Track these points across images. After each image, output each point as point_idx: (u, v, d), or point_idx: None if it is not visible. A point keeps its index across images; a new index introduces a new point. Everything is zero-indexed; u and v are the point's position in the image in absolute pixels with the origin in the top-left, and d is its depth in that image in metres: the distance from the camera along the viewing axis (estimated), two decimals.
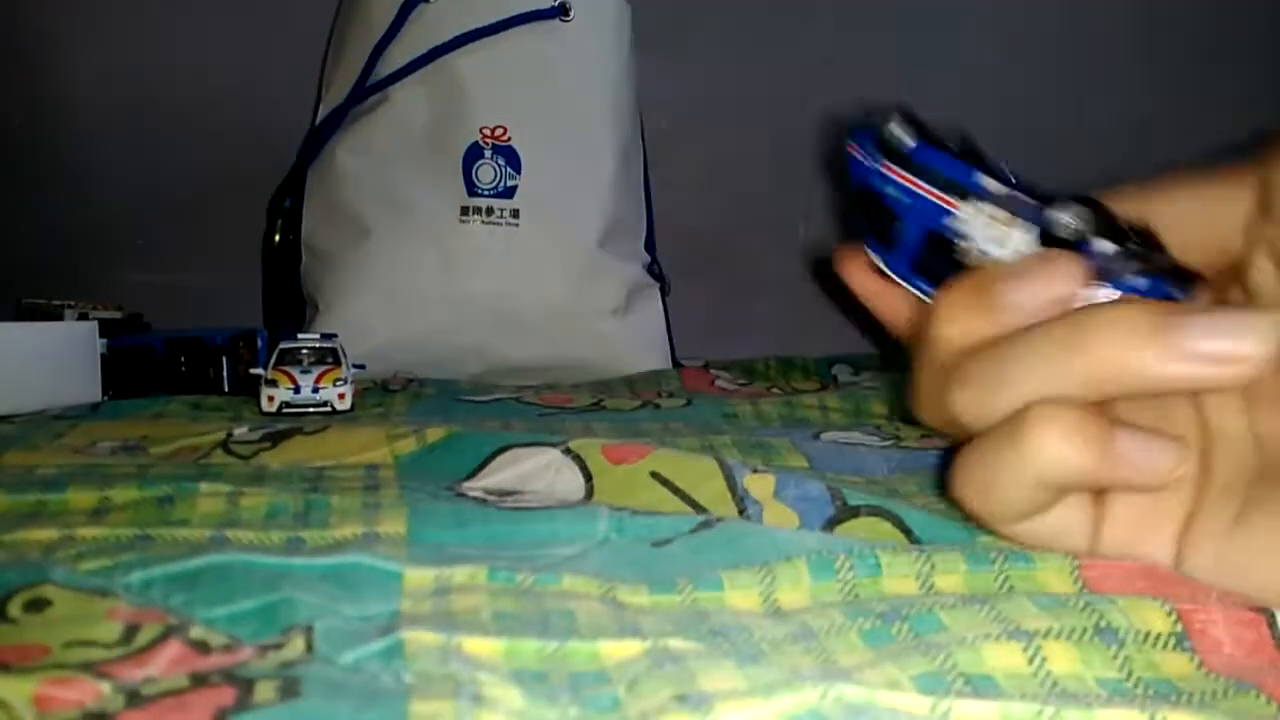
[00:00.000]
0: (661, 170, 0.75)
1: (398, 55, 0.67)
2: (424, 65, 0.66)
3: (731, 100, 0.83)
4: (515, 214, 0.66)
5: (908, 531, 0.29)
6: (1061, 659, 0.19)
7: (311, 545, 0.27)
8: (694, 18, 0.82)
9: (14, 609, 0.20)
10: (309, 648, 0.19)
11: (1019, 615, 0.20)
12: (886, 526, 0.30)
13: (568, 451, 0.35)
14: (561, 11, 0.67)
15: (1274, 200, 0.24)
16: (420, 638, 0.19)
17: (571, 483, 0.34)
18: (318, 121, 0.70)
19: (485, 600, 0.21)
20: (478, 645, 0.19)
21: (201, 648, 0.19)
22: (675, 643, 0.19)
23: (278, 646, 0.19)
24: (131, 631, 0.19)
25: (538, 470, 0.34)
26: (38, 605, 0.20)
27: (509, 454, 0.36)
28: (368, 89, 0.67)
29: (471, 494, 0.32)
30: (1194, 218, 0.26)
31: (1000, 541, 0.26)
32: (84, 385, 0.51)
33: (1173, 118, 0.83)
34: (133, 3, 0.80)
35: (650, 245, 0.73)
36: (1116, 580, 0.23)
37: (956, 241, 0.26)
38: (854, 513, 0.30)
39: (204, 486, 0.31)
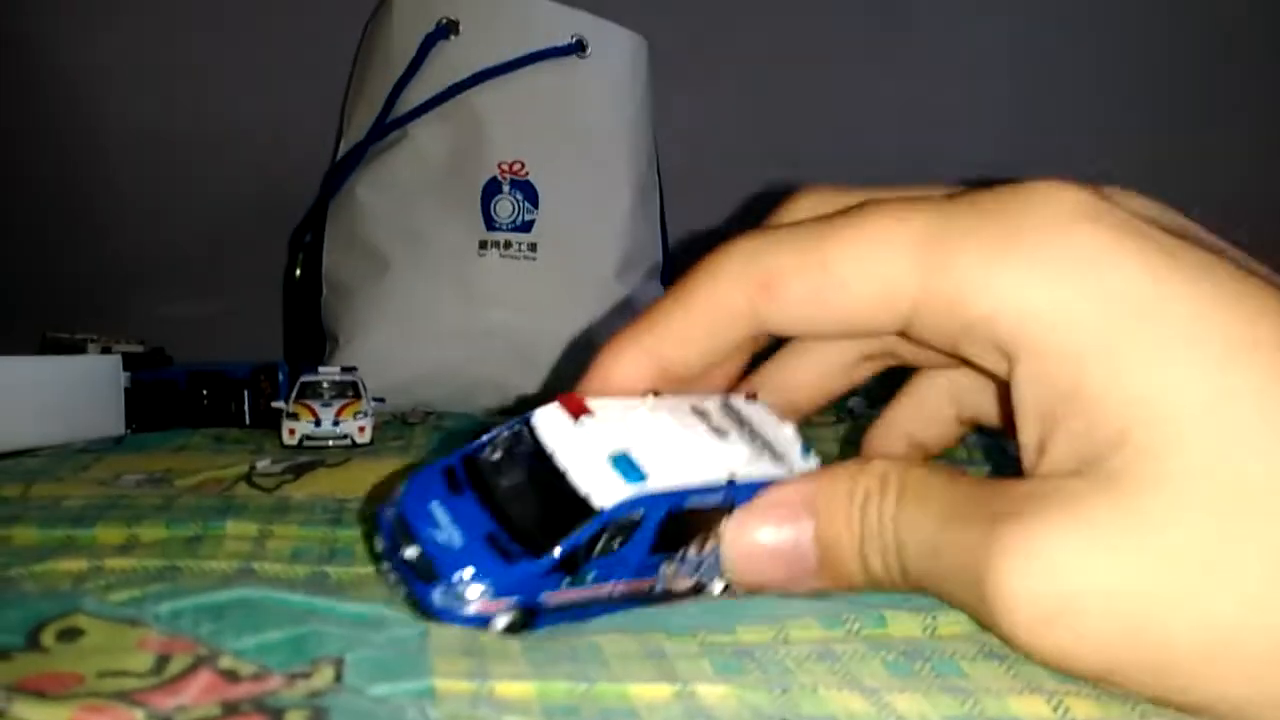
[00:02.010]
0: (677, 204, 0.76)
1: (417, 92, 0.68)
2: (443, 102, 0.67)
3: (748, 135, 0.84)
4: (533, 248, 0.66)
5: None
6: (1084, 707, 0.20)
7: (336, 580, 0.27)
8: (711, 54, 0.83)
9: (47, 638, 0.21)
10: (338, 677, 0.19)
11: (1035, 673, 0.21)
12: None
13: None
14: (579, 49, 0.68)
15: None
16: (452, 686, 0.19)
17: None
18: (339, 157, 0.71)
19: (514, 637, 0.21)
20: (508, 689, 0.19)
21: (231, 677, 0.19)
22: (703, 688, 0.19)
23: (306, 676, 0.19)
24: (163, 661, 0.19)
25: None
26: (70, 635, 0.21)
27: None
28: (388, 125, 0.68)
29: None
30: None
31: None
32: (108, 418, 0.52)
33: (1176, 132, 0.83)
34: (158, 41, 0.81)
35: (666, 278, 0.74)
36: None
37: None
38: None
39: (230, 526, 0.31)
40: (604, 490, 0.21)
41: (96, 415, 0.51)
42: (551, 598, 0.22)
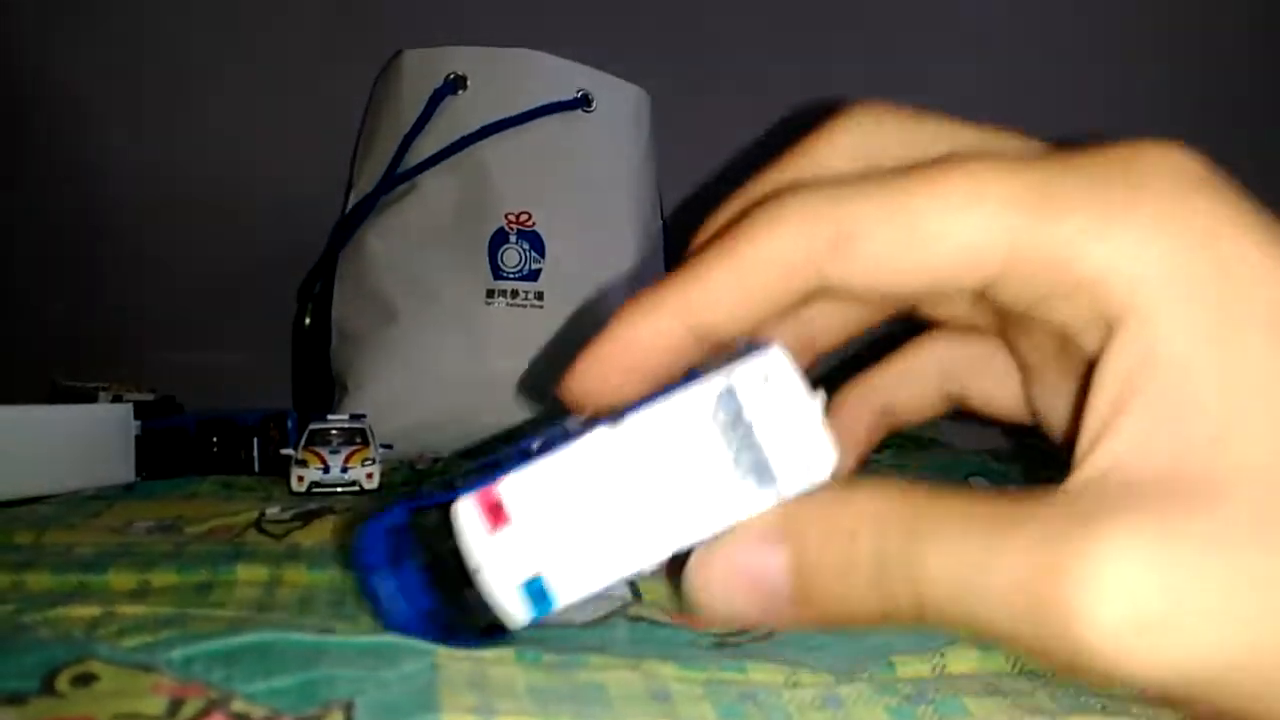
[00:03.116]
0: (681, 253, 0.77)
1: (426, 145, 0.69)
2: (451, 155, 0.68)
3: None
4: (540, 296, 0.67)
5: None
6: None
7: (343, 630, 0.27)
8: (712, 106, 0.85)
9: (62, 683, 0.21)
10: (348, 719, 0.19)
11: (1040, 703, 0.21)
12: None
13: None
14: (584, 103, 0.70)
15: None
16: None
17: (616, 588, 0.31)
18: (348, 208, 0.72)
19: (519, 672, 0.22)
20: None
21: None
22: None
23: (317, 719, 0.19)
24: (176, 705, 0.20)
25: None
26: (84, 680, 0.21)
27: None
28: (397, 177, 0.70)
29: None
30: None
31: None
32: (119, 466, 0.52)
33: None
34: (171, 91, 0.83)
35: None
36: None
37: None
38: None
39: (240, 572, 0.32)
40: (513, 613, 0.21)
41: (108, 463, 0.52)
42: None
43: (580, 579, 0.21)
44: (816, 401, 0.21)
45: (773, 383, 0.21)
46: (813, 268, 0.21)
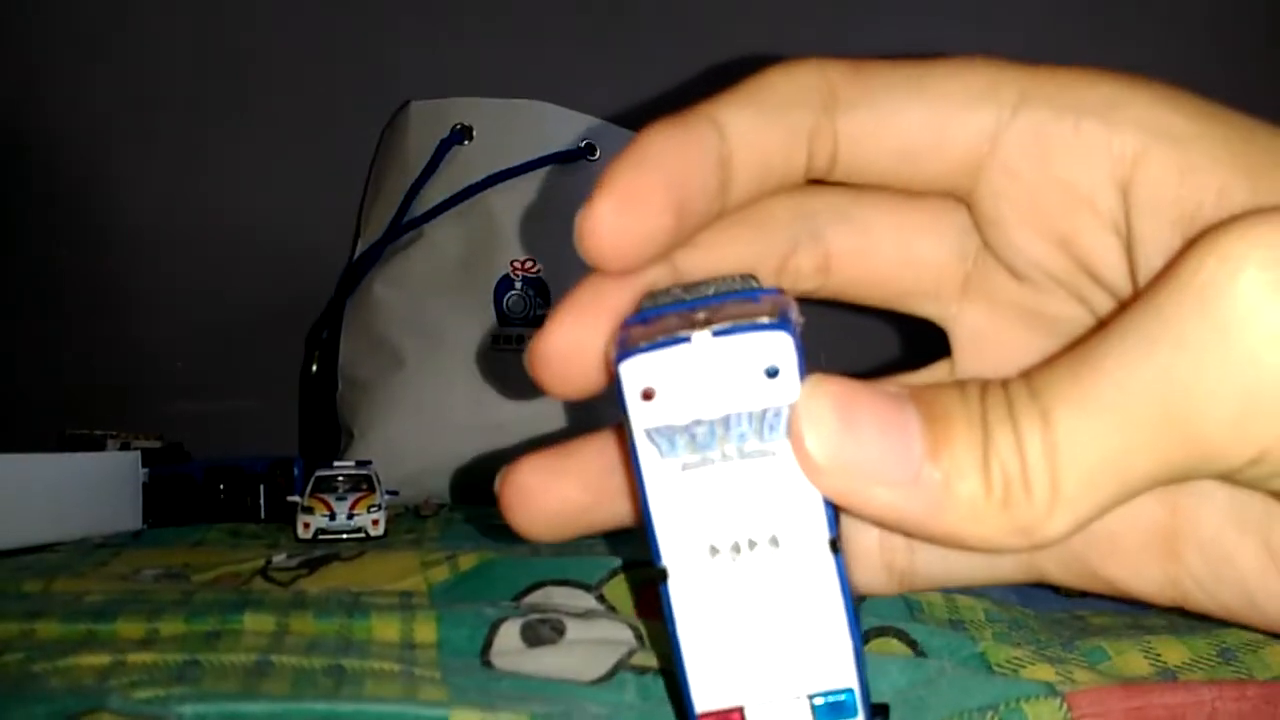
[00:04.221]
0: None
1: (433, 194, 0.70)
2: (458, 203, 0.70)
3: None
4: None
5: (913, 644, 0.29)
6: None
7: (353, 672, 0.28)
8: None
9: None
10: None
11: None
12: (895, 644, 0.30)
13: (601, 599, 0.35)
14: (588, 152, 0.71)
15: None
16: None
17: (618, 631, 0.30)
18: (356, 256, 0.73)
19: None
20: None
21: None
22: None
23: None
24: None
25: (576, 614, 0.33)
26: None
27: (540, 593, 0.36)
28: (404, 225, 0.71)
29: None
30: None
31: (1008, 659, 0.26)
32: (126, 513, 0.53)
33: None
34: (175, 141, 0.84)
35: None
36: (1103, 714, 0.23)
37: None
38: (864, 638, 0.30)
39: (248, 620, 0.32)
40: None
41: (115, 510, 0.52)
42: None
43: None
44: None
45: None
46: (828, 90, 0.20)
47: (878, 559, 0.23)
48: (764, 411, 0.17)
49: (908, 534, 0.18)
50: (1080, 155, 0.19)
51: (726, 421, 0.18)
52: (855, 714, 0.18)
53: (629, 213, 0.19)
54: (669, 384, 0.18)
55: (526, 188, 0.70)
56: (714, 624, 0.18)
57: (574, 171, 0.71)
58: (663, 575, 0.18)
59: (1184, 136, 0.18)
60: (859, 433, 0.17)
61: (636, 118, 0.75)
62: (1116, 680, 0.26)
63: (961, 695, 0.24)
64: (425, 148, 0.71)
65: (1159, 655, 0.27)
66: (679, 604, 0.18)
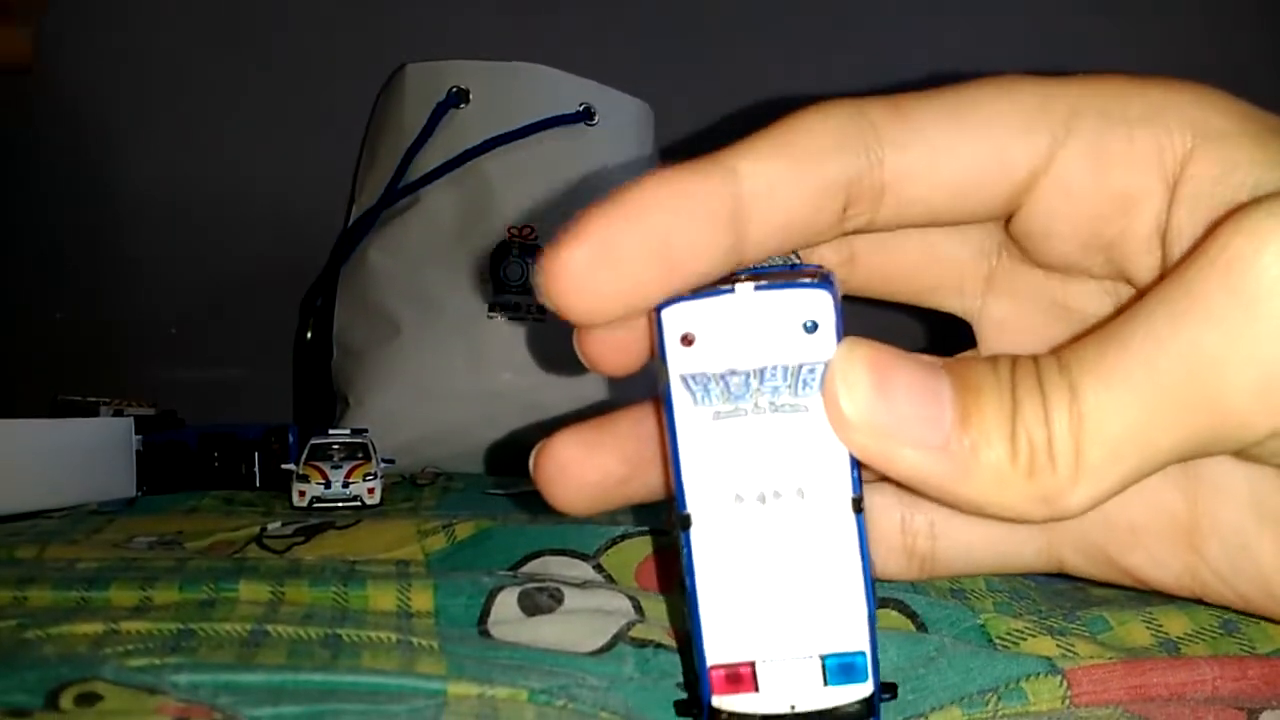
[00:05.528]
0: None
1: (429, 159, 0.70)
2: (454, 169, 0.69)
3: None
4: (541, 310, 0.67)
5: (914, 616, 0.29)
6: None
7: (349, 641, 0.27)
8: (713, 117, 0.85)
9: (65, 701, 0.21)
10: None
11: None
12: (895, 615, 0.29)
13: (599, 568, 0.35)
14: (586, 116, 0.70)
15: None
16: None
17: (616, 601, 0.30)
18: (351, 222, 0.73)
19: (530, 710, 0.21)
20: None
21: None
22: None
23: None
24: None
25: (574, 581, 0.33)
26: (89, 699, 0.21)
27: (538, 562, 0.36)
28: (400, 191, 0.70)
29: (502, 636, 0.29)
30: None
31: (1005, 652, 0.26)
32: (120, 480, 0.52)
33: None
34: (173, 105, 0.83)
35: None
36: (1103, 692, 0.23)
37: None
38: None
39: (243, 589, 0.32)
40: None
41: (108, 477, 0.52)
42: None
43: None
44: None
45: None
46: (869, 129, 0.19)
47: (899, 543, 0.24)
48: (800, 366, 0.18)
49: (931, 498, 0.18)
50: (1135, 163, 0.19)
51: (761, 373, 0.18)
52: (865, 678, 0.18)
53: (603, 266, 0.18)
54: (709, 332, 0.18)
55: (524, 153, 0.69)
56: (732, 575, 0.18)
57: (573, 136, 0.70)
58: (685, 522, 0.18)
59: (1224, 134, 0.19)
60: (892, 395, 0.17)
61: (636, 81, 0.74)
62: (1118, 651, 0.25)
63: (962, 678, 0.24)
64: (421, 111, 0.70)
65: (1161, 626, 0.27)
66: (700, 552, 0.18)
